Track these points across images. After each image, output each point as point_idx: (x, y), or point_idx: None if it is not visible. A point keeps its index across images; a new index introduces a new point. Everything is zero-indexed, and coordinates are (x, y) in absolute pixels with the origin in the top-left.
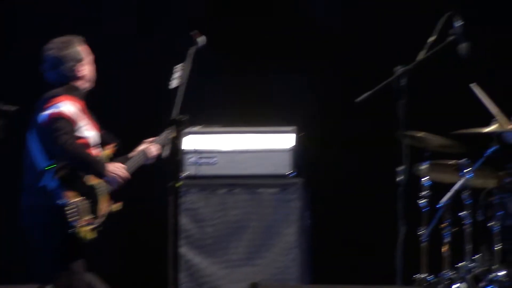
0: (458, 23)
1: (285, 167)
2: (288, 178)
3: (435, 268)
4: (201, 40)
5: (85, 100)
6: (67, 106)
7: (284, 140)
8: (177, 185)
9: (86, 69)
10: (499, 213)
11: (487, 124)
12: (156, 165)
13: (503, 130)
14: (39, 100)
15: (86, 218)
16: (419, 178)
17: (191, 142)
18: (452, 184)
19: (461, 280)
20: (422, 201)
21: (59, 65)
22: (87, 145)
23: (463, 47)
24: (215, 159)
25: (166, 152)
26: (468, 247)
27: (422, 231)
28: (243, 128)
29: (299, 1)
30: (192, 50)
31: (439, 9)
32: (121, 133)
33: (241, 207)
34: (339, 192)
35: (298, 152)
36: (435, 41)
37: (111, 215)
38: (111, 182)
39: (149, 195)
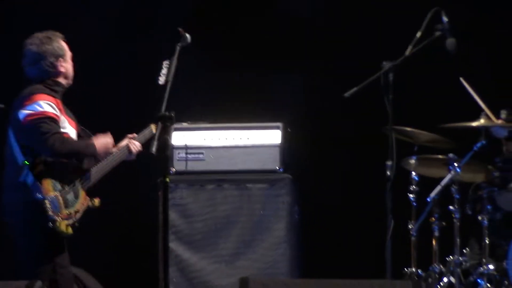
0: (445, 19)
1: (273, 163)
2: (277, 174)
3: (424, 262)
4: (187, 37)
5: (63, 97)
6: (48, 105)
7: (272, 136)
8: (166, 180)
9: (66, 65)
10: (487, 207)
11: (475, 118)
12: (144, 161)
13: (491, 125)
14: (18, 96)
15: (65, 212)
16: (407, 172)
17: (180, 138)
18: (441, 179)
19: (451, 273)
20: (411, 196)
21: (40, 60)
22: None
23: (450, 42)
24: (203, 154)
25: (154, 148)
26: (457, 241)
27: (411, 225)
28: (231, 124)
29: (287, 0)
30: (178, 47)
31: (426, 4)
32: (107, 129)
33: (230, 203)
34: (328, 186)
35: (286, 147)
36: (422, 37)
37: (99, 211)
38: (104, 156)
39: (138, 191)
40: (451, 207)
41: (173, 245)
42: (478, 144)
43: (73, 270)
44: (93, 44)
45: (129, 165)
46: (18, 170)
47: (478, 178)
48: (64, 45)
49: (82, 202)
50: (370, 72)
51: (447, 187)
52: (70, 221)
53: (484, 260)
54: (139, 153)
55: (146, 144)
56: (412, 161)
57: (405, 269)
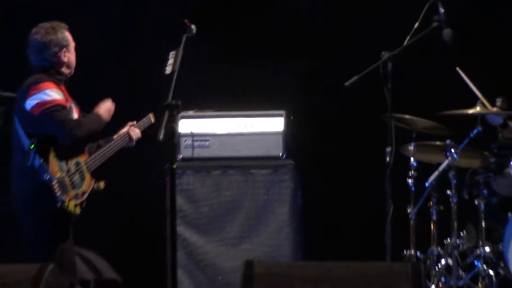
0: (441, 10)
1: (276, 149)
2: (280, 160)
3: (423, 244)
4: (193, 28)
5: (66, 85)
6: (55, 92)
7: (275, 123)
8: (173, 167)
9: (70, 56)
10: (484, 192)
11: (471, 106)
12: (152, 149)
13: (487, 112)
14: (22, 85)
15: (72, 193)
16: (406, 158)
17: (186, 125)
18: (439, 164)
19: (448, 256)
20: (409, 181)
21: (44, 50)
22: None
23: (447, 32)
24: (209, 142)
25: (161, 136)
26: (455, 224)
27: (410, 210)
28: (236, 112)
29: None
30: (184, 37)
31: None
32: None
33: (235, 188)
34: (330, 172)
35: (289, 134)
36: (419, 28)
37: (110, 196)
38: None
39: (146, 177)
40: (448, 192)
41: (180, 229)
42: (474, 131)
43: (85, 253)
44: (94, 40)
45: (138, 152)
46: (25, 155)
47: (475, 164)
48: (68, 35)
49: (88, 184)
50: (369, 62)
51: (444, 172)
52: (78, 201)
53: (480, 242)
54: (139, 140)
55: (146, 132)
56: (411, 148)
57: (404, 251)
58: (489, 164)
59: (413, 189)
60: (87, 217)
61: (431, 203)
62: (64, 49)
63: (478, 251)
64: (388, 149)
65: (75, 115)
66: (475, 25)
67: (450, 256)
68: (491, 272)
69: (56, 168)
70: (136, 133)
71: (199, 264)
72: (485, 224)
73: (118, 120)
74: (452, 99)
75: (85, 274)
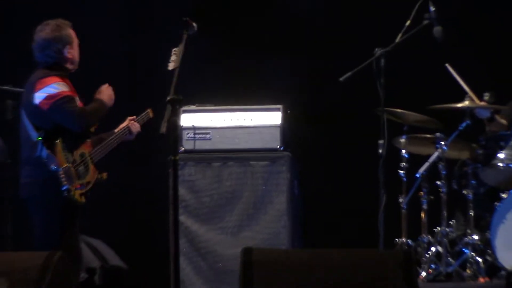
0: (432, 8)
1: (274, 142)
2: (278, 152)
3: (414, 232)
4: (194, 26)
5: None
6: (61, 85)
7: (273, 117)
8: (175, 159)
9: (73, 52)
10: (472, 182)
11: (460, 100)
12: (156, 141)
13: (475, 106)
14: (28, 80)
15: (77, 182)
16: (398, 150)
17: (188, 119)
18: (429, 156)
19: (438, 243)
20: (401, 172)
21: (49, 46)
22: None
23: (437, 30)
24: (210, 134)
25: (164, 129)
26: (444, 213)
27: (402, 199)
28: (235, 107)
29: None
30: (185, 35)
31: None
32: (117, 112)
33: (235, 179)
34: (325, 163)
35: (286, 128)
36: (411, 25)
37: (116, 187)
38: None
39: (150, 168)
40: (438, 182)
41: (182, 218)
42: (463, 124)
43: (91, 241)
44: (96, 38)
45: (142, 145)
46: (33, 146)
47: (463, 155)
48: (72, 33)
49: (92, 174)
50: (363, 58)
51: (434, 163)
52: (83, 191)
53: (469, 231)
54: (139, 133)
55: (149, 126)
56: (402, 140)
57: (396, 239)
58: (477, 156)
59: (404, 179)
60: (93, 206)
61: (422, 193)
62: (68, 46)
63: (467, 239)
64: (381, 142)
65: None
66: (464, 23)
67: (440, 243)
68: (479, 259)
69: (62, 159)
70: (135, 127)
71: (200, 252)
72: (473, 213)
73: (118, 115)
74: (442, 94)
75: (92, 261)
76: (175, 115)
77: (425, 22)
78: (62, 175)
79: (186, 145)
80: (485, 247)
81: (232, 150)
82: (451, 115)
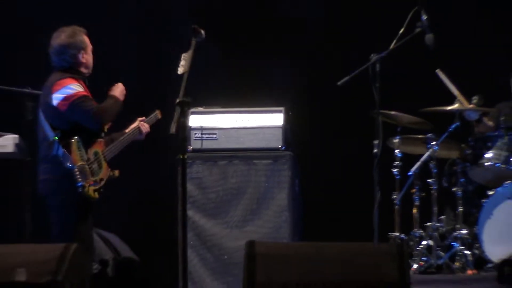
0: (424, 17)
1: (276, 142)
2: (280, 151)
3: (406, 227)
4: (202, 33)
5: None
6: (77, 86)
7: (275, 118)
8: (184, 157)
9: (87, 57)
10: (461, 180)
11: (450, 103)
12: (166, 141)
13: (464, 109)
14: (46, 82)
15: (91, 179)
16: (392, 150)
17: (196, 120)
18: (421, 155)
19: (429, 237)
20: (395, 170)
21: (64, 51)
22: None
23: (429, 37)
24: (216, 135)
25: (173, 129)
26: (435, 209)
27: (395, 196)
28: (240, 108)
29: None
30: (194, 41)
31: (408, 5)
32: (128, 113)
33: (239, 176)
34: (324, 162)
35: (288, 128)
36: (404, 33)
37: (129, 184)
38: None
39: (160, 166)
40: (429, 180)
41: (190, 213)
42: (453, 126)
43: (105, 234)
44: (110, 44)
45: (153, 144)
46: (49, 145)
47: (453, 155)
48: (86, 39)
49: (105, 172)
50: (360, 63)
51: (426, 163)
52: (97, 187)
53: (458, 226)
54: (149, 134)
55: (158, 126)
56: (396, 140)
57: (390, 233)
58: (466, 155)
59: (398, 177)
60: (107, 202)
61: (414, 190)
62: (82, 51)
63: (456, 233)
64: (376, 142)
65: None
66: (455, 31)
67: (431, 237)
68: (467, 252)
69: (77, 157)
70: (145, 127)
71: (207, 244)
72: (462, 209)
73: (129, 116)
74: (433, 97)
75: (105, 253)
76: (184, 117)
77: (418, 29)
78: (77, 173)
79: (194, 144)
80: (473, 241)
81: (237, 149)
82: (442, 117)
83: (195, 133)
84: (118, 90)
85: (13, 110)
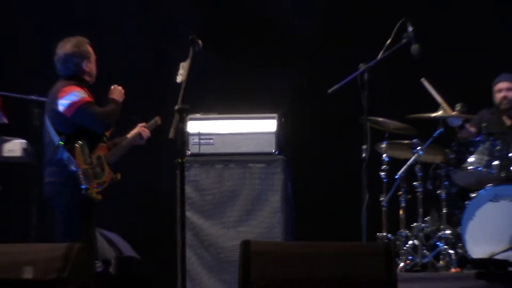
0: (410, 28)
1: (270, 147)
2: (273, 156)
3: (393, 227)
4: (199, 43)
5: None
6: (82, 92)
7: (269, 125)
8: (182, 161)
9: (91, 66)
10: (445, 183)
11: (434, 110)
12: (165, 146)
13: (447, 116)
14: (51, 90)
15: (94, 182)
16: (379, 155)
17: (194, 126)
18: (407, 160)
19: (415, 237)
20: (382, 174)
21: (69, 60)
22: None
23: (414, 48)
24: (213, 140)
25: (172, 134)
26: (420, 210)
27: (383, 198)
28: (236, 115)
29: (281, 9)
30: (192, 51)
31: (395, 16)
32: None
33: (235, 179)
34: (315, 166)
35: (281, 134)
36: (391, 43)
37: (130, 185)
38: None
39: (160, 169)
40: (415, 183)
41: (188, 214)
42: (437, 132)
43: (108, 234)
44: (111, 52)
45: (153, 149)
46: (55, 150)
47: (437, 159)
48: (89, 49)
49: (107, 175)
50: (349, 72)
51: (412, 166)
52: (99, 189)
53: (442, 226)
54: (149, 139)
55: (156, 132)
56: (383, 145)
57: (378, 233)
58: (449, 160)
59: (385, 180)
60: (109, 203)
61: (401, 193)
62: (86, 60)
63: (440, 234)
64: (364, 147)
65: None
66: (439, 42)
67: (416, 237)
68: (451, 251)
69: (81, 161)
70: (146, 132)
71: (204, 244)
72: (446, 211)
73: (130, 121)
74: (418, 105)
75: (108, 252)
76: (182, 123)
77: (404, 40)
78: (81, 176)
79: (192, 149)
80: (456, 241)
81: (233, 153)
82: (427, 124)
83: (193, 138)
84: (117, 92)
85: (21, 117)
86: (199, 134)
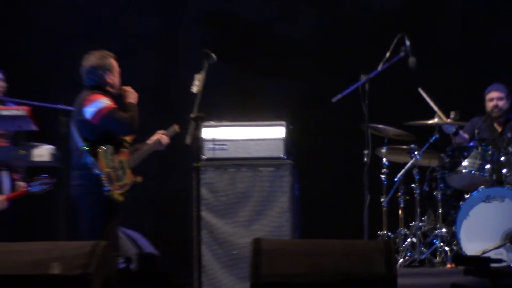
0: (407, 42)
1: (279, 152)
2: (282, 160)
3: (393, 226)
4: (213, 56)
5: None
6: (107, 100)
7: (278, 131)
8: (198, 165)
9: (114, 78)
10: (440, 185)
11: (431, 118)
12: (182, 151)
13: (443, 123)
14: (78, 99)
15: (117, 184)
16: (380, 159)
17: (208, 133)
18: (405, 163)
19: (413, 235)
20: (382, 176)
21: (93, 72)
22: None
23: (411, 60)
24: (226, 145)
25: (188, 141)
26: (418, 210)
27: (383, 199)
28: (247, 122)
29: (290, 25)
30: (206, 63)
31: (393, 31)
32: (149, 126)
33: (246, 182)
34: (320, 169)
35: (289, 140)
36: (390, 56)
37: (150, 188)
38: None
39: (177, 173)
40: (413, 185)
41: (204, 213)
42: (433, 137)
43: (130, 232)
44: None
45: (171, 154)
46: (80, 154)
47: (433, 163)
48: (113, 62)
49: (128, 177)
50: (351, 82)
51: (410, 170)
52: (121, 191)
53: (438, 225)
54: (168, 145)
55: (174, 139)
56: (383, 150)
57: (378, 232)
58: (444, 163)
59: (385, 182)
60: (131, 204)
61: (399, 194)
62: (109, 72)
63: (436, 232)
64: (366, 152)
65: None
66: (434, 54)
67: (414, 235)
68: (446, 248)
69: (104, 165)
70: (165, 139)
71: (218, 241)
72: (441, 210)
73: (151, 129)
74: (416, 112)
75: (130, 249)
76: (198, 130)
77: (402, 53)
78: (104, 179)
79: (207, 154)
80: (452, 238)
81: (244, 158)
82: (423, 130)
83: (208, 144)
84: (132, 96)
85: (49, 124)
86: (213, 140)
